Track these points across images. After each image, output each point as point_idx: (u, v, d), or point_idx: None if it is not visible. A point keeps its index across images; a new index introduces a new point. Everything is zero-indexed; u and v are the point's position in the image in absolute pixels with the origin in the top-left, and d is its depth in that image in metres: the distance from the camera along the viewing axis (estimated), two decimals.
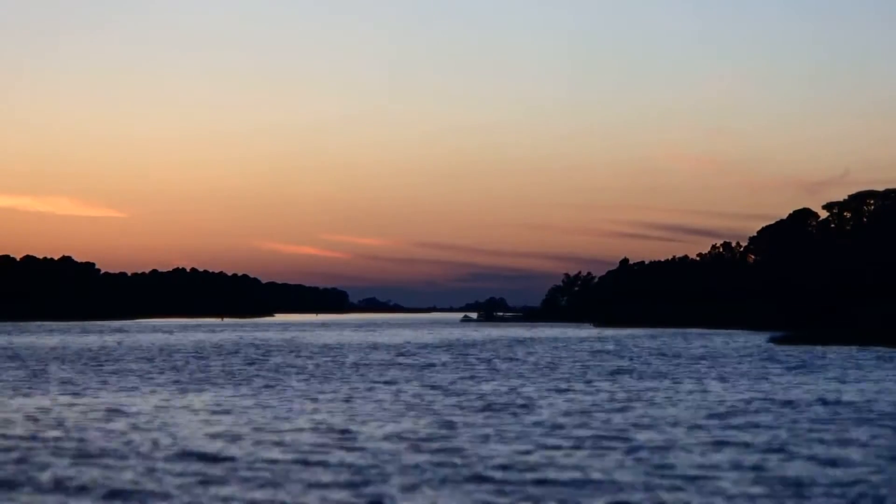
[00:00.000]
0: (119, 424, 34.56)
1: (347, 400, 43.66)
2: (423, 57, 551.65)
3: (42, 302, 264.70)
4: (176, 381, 54.76)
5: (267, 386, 51.48)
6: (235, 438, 30.83)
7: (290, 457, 27.22)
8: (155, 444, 29.64)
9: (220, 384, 52.85)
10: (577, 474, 24.57)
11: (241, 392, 47.88)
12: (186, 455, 27.46)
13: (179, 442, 30.03)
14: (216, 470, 25.16)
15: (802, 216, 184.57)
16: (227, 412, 38.51)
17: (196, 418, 36.46)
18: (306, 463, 26.26)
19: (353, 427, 33.48)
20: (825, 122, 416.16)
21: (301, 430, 33.00)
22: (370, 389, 49.24)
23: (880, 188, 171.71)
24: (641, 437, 31.12)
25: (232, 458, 26.90)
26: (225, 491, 22.62)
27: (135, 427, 33.71)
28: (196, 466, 25.70)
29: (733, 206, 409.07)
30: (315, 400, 43.73)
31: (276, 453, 27.86)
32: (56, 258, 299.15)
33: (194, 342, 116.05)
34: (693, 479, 24.07)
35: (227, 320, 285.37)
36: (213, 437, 31.17)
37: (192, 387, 51.11)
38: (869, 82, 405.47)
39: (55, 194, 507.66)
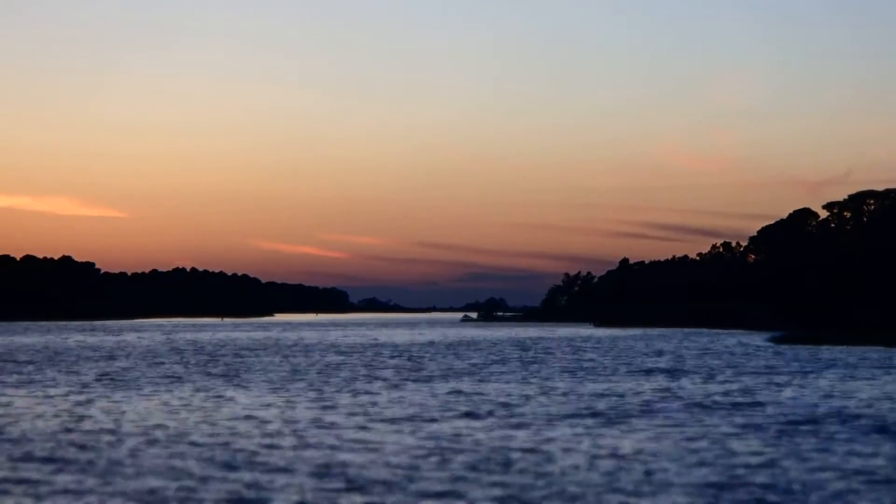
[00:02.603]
0: None
1: None
2: (424, 55, 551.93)
3: (42, 302, 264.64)
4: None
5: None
6: None
7: None
8: None
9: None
10: None
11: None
12: None
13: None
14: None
15: (802, 216, 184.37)
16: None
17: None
18: None
19: None
20: (826, 121, 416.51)
21: None
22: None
23: (880, 188, 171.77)
24: None
25: None
26: None
27: None
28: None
29: (733, 206, 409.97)
30: None
31: None
32: (56, 258, 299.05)
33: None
34: None
35: (227, 320, 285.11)
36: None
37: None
38: (870, 82, 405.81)
39: (55, 194, 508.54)
